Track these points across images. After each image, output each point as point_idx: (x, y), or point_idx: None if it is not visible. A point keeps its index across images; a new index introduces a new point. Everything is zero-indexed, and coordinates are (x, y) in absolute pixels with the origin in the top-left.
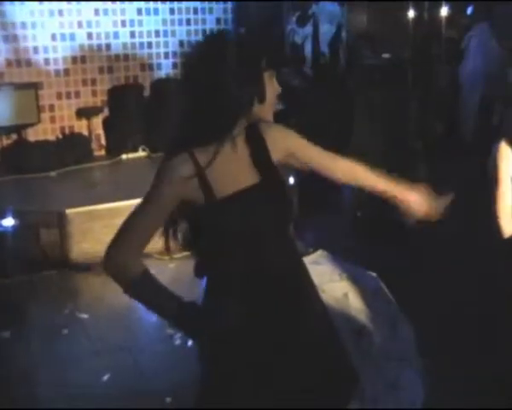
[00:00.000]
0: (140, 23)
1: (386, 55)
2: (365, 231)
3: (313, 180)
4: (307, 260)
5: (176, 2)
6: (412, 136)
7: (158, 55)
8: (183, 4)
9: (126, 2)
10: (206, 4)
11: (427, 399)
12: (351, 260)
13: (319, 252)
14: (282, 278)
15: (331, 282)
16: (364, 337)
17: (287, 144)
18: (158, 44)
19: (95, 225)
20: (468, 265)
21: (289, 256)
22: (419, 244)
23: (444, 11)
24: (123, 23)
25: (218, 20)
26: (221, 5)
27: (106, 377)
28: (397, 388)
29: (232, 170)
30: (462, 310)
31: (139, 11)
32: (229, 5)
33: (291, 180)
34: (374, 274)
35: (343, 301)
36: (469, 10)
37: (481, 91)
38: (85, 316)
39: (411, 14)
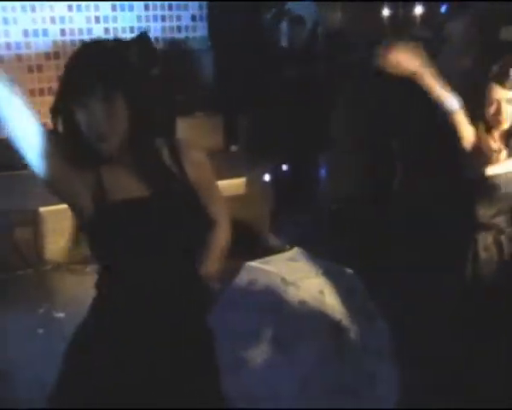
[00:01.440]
0: (114, 19)
1: (360, 53)
2: (341, 228)
3: (289, 177)
4: (284, 256)
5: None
6: (389, 133)
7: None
8: (158, 1)
9: None
10: (182, 1)
11: (402, 394)
12: (327, 256)
13: (295, 249)
14: (167, 298)
15: (307, 279)
16: (339, 334)
17: (200, 173)
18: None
19: (69, 223)
20: (444, 261)
21: (179, 276)
22: (394, 240)
23: (418, 9)
24: (97, 19)
25: (193, 17)
26: (196, 1)
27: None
28: (373, 382)
29: (132, 177)
30: (437, 307)
31: (113, 7)
32: (205, 1)
33: (266, 177)
34: (349, 271)
35: (319, 298)
36: (444, 8)
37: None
38: (61, 315)
39: (386, 12)
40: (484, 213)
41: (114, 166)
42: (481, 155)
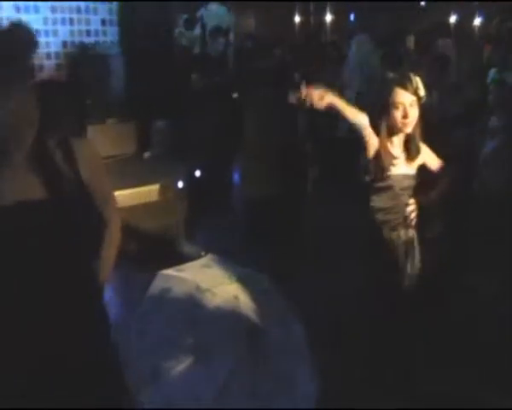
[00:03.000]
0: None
1: (273, 57)
2: (254, 233)
3: (203, 183)
4: (198, 263)
5: (58, 1)
6: (303, 137)
7: (39, 55)
8: (66, 3)
9: None
10: (91, 4)
11: (320, 394)
12: (241, 261)
13: (210, 255)
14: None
15: (222, 284)
16: (256, 338)
17: (93, 172)
18: (39, 44)
19: None
20: (356, 262)
21: (72, 275)
22: (307, 243)
23: (328, 17)
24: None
25: (103, 21)
26: (106, 5)
27: None
28: (291, 385)
29: (26, 179)
30: (350, 306)
31: (17, 8)
32: (115, 6)
33: (180, 184)
34: (263, 275)
35: (234, 303)
36: (352, 17)
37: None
38: None
39: (297, 18)
40: (377, 209)
41: (9, 167)
42: (382, 161)
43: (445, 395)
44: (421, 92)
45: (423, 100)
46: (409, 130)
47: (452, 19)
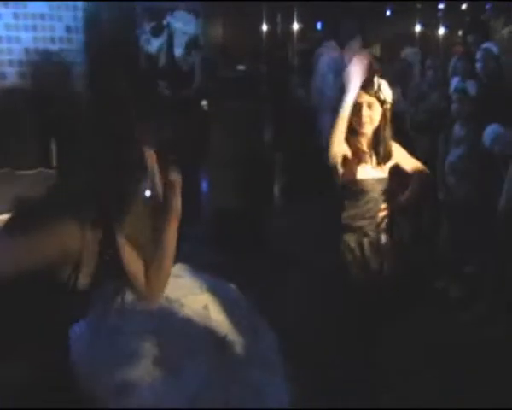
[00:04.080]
0: None
1: (241, 68)
2: (223, 242)
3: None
4: None
5: (21, 8)
6: (268, 147)
7: (1, 62)
8: (29, 10)
9: None
10: (55, 11)
11: (292, 405)
12: (210, 271)
13: (178, 265)
14: None
15: (191, 295)
16: (226, 348)
17: None
18: (1, 51)
19: None
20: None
21: None
22: (276, 252)
23: (295, 25)
24: None
25: (67, 28)
26: (71, 12)
27: None
28: (262, 395)
29: None
30: (321, 314)
31: None
32: (80, 13)
33: (147, 193)
34: (232, 285)
35: (203, 314)
36: (319, 25)
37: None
38: None
39: (265, 27)
40: (348, 215)
41: None
42: (350, 162)
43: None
44: (383, 95)
45: (388, 104)
46: (365, 130)
47: (417, 28)
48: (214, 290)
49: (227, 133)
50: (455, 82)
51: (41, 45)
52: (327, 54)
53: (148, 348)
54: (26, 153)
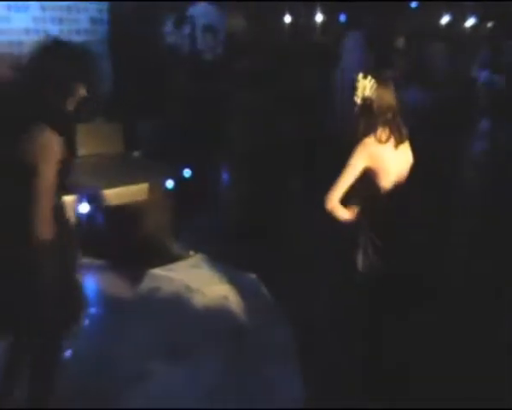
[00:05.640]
0: (8, 20)
1: (261, 59)
2: (243, 233)
3: (192, 183)
4: (187, 263)
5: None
6: (291, 138)
7: (29, 54)
8: (56, 2)
9: None
10: (80, 3)
11: (306, 397)
12: (230, 262)
13: (199, 255)
14: None
15: (211, 285)
16: (244, 338)
17: None
18: (29, 44)
19: None
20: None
21: None
22: (296, 244)
23: (318, 17)
24: None
25: (92, 20)
26: (95, 4)
27: None
28: (277, 387)
29: None
30: (339, 309)
31: (8, 7)
32: (104, 4)
33: (169, 183)
34: (253, 275)
35: (223, 304)
36: (342, 18)
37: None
38: None
39: (288, 19)
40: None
41: None
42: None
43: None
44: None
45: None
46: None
47: (444, 20)
48: (234, 281)
49: (248, 124)
50: (483, 76)
51: (66, 37)
52: (350, 43)
53: (167, 336)
54: None
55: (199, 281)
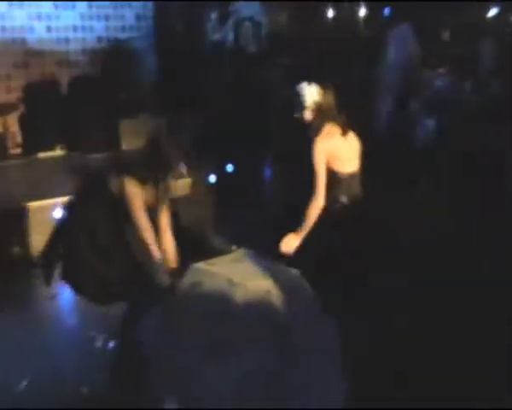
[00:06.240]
0: (57, 17)
1: (304, 54)
2: (286, 229)
3: (235, 178)
4: (230, 258)
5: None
6: None
7: (75, 51)
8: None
9: None
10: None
11: (348, 395)
12: (272, 256)
13: (241, 250)
14: None
15: (254, 279)
16: (285, 335)
17: None
18: (76, 40)
19: (9, 224)
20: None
21: None
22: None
23: (362, 12)
24: (38, 17)
25: (137, 16)
26: (140, 1)
27: (25, 380)
28: (318, 384)
29: None
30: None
31: (55, 5)
32: (149, 1)
33: (212, 178)
34: (296, 270)
35: (266, 299)
36: (386, 11)
37: (398, 91)
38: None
39: (330, 13)
40: None
41: None
42: None
43: None
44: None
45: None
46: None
47: (492, 12)
48: (277, 276)
49: (288, 121)
50: None
51: (112, 34)
52: (397, 37)
53: (208, 330)
54: (96, 137)
55: (241, 275)
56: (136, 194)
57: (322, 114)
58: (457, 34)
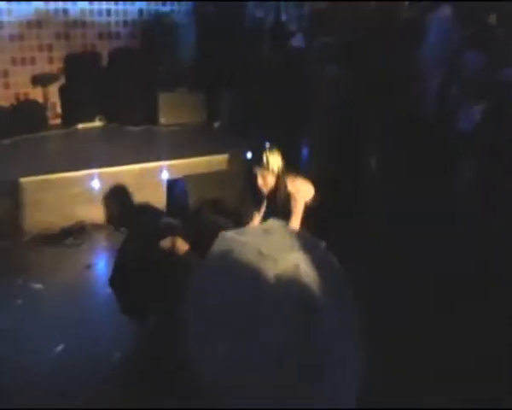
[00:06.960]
0: None
1: (342, 34)
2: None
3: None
4: (259, 228)
5: None
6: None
7: (117, 23)
8: None
9: None
10: None
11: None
12: (302, 230)
13: (270, 221)
14: None
15: (283, 252)
16: (314, 309)
17: None
18: (117, 12)
19: (48, 195)
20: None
21: None
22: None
23: None
24: None
25: None
26: None
27: (59, 348)
28: (343, 363)
29: None
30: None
31: None
32: None
33: (249, 155)
34: (323, 243)
35: (294, 272)
36: None
37: (440, 74)
38: (39, 286)
39: None
40: None
41: None
42: None
43: None
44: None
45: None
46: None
47: None
48: (305, 249)
49: (328, 100)
50: None
51: (153, 7)
52: (438, 18)
53: (239, 298)
54: (135, 110)
55: (271, 247)
56: None
57: (281, 175)
58: (507, 18)
